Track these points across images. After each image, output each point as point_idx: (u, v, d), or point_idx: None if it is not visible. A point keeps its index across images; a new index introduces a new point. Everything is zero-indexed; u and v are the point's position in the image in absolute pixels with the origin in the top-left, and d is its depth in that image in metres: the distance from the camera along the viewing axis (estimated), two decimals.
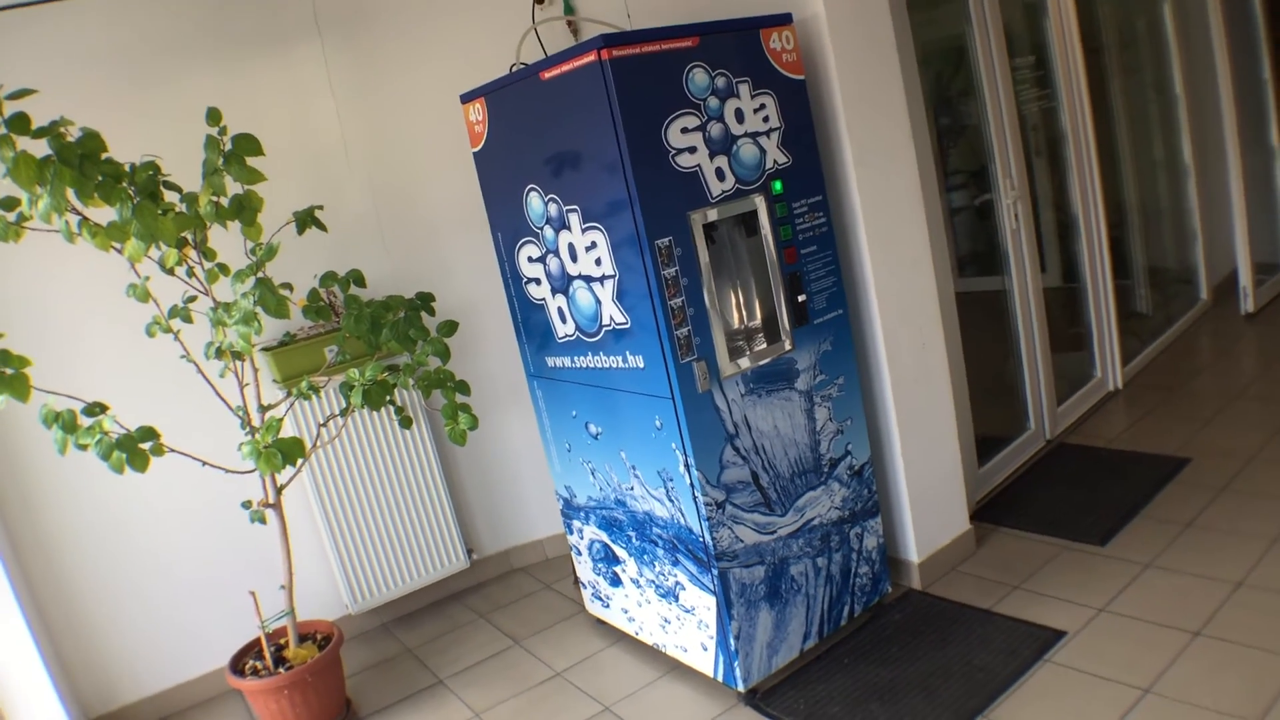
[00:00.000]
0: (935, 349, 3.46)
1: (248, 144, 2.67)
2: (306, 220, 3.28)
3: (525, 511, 4.45)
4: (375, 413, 3.82)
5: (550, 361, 3.30)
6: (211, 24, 3.70)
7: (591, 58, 2.54)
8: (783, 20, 2.91)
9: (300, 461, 2.91)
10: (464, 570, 4.28)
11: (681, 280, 2.68)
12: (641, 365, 2.81)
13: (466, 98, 3.26)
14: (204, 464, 3.20)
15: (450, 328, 3.18)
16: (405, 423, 3.46)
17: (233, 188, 2.90)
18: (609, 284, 2.80)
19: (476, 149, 3.28)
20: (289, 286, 3.24)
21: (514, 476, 4.40)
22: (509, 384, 4.19)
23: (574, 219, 2.85)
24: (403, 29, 3.98)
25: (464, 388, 3.17)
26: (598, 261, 2.82)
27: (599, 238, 2.77)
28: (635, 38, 2.57)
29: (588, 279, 2.90)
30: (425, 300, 3.33)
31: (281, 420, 2.90)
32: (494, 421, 4.29)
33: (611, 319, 2.86)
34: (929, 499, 3.52)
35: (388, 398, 3.15)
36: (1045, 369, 4.55)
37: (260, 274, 2.86)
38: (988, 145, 4.23)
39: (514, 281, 3.33)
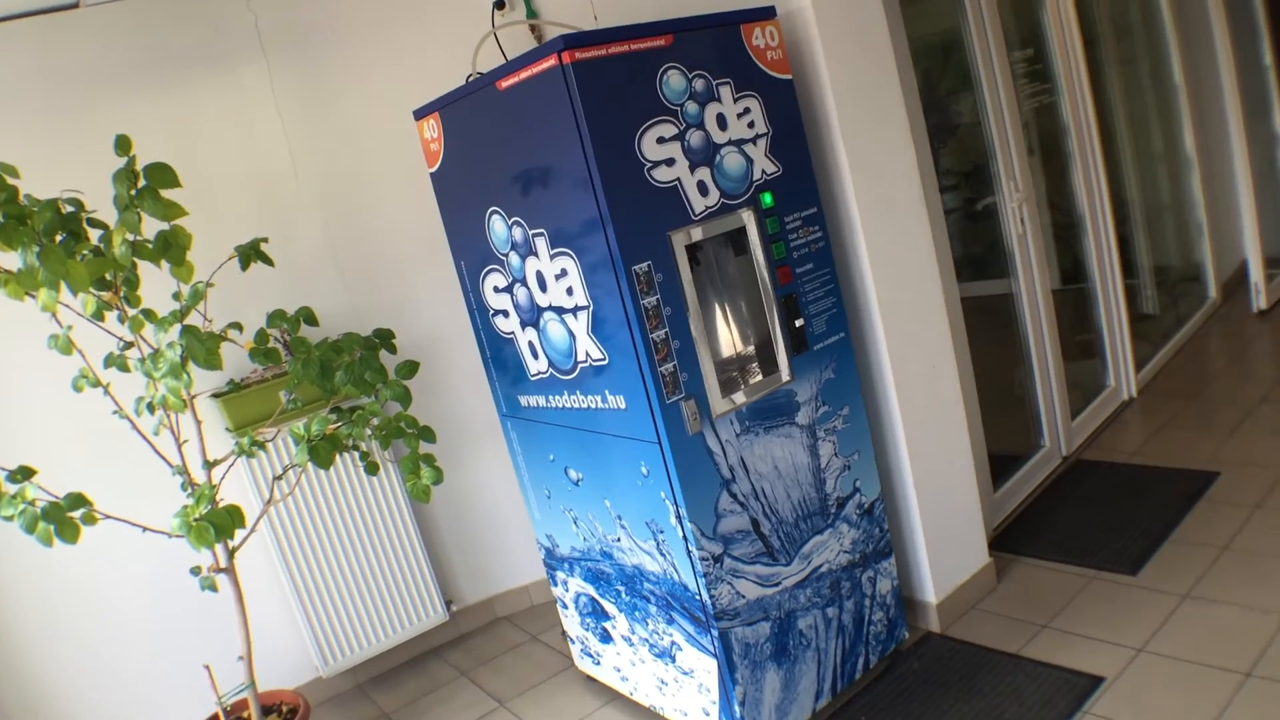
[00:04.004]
0: (945, 369, 3.17)
1: (162, 175, 2.35)
2: (250, 255, 2.96)
3: (508, 557, 4.12)
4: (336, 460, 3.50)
5: (524, 400, 2.99)
6: (148, 46, 3.40)
7: (551, 62, 2.24)
8: (766, 14, 2.62)
9: (245, 529, 2.59)
10: (444, 623, 3.96)
11: (664, 310, 2.37)
12: (623, 406, 2.50)
13: (420, 113, 2.96)
14: (144, 530, 2.88)
15: (410, 369, 2.86)
16: (371, 469, 3.13)
17: (159, 223, 2.60)
18: (582, 315, 2.50)
19: (433, 169, 2.98)
20: (238, 326, 2.94)
21: (494, 519, 4.08)
22: (485, 420, 3.87)
23: (541, 244, 2.55)
24: (352, 43, 3.68)
25: (428, 434, 2.85)
26: (569, 291, 2.51)
27: (569, 264, 2.47)
28: (600, 37, 2.27)
29: (559, 310, 2.59)
30: (384, 338, 3.01)
31: (216, 487, 2.57)
32: (471, 461, 3.97)
33: (587, 354, 2.56)
34: (945, 533, 3.22)
35: (350, 445, 2.84)
36: (1059, 380, 4.26)
37: (190, 319, 2.55)
38: (988, 145, 3.94)
39: (480, 313, 3.02)
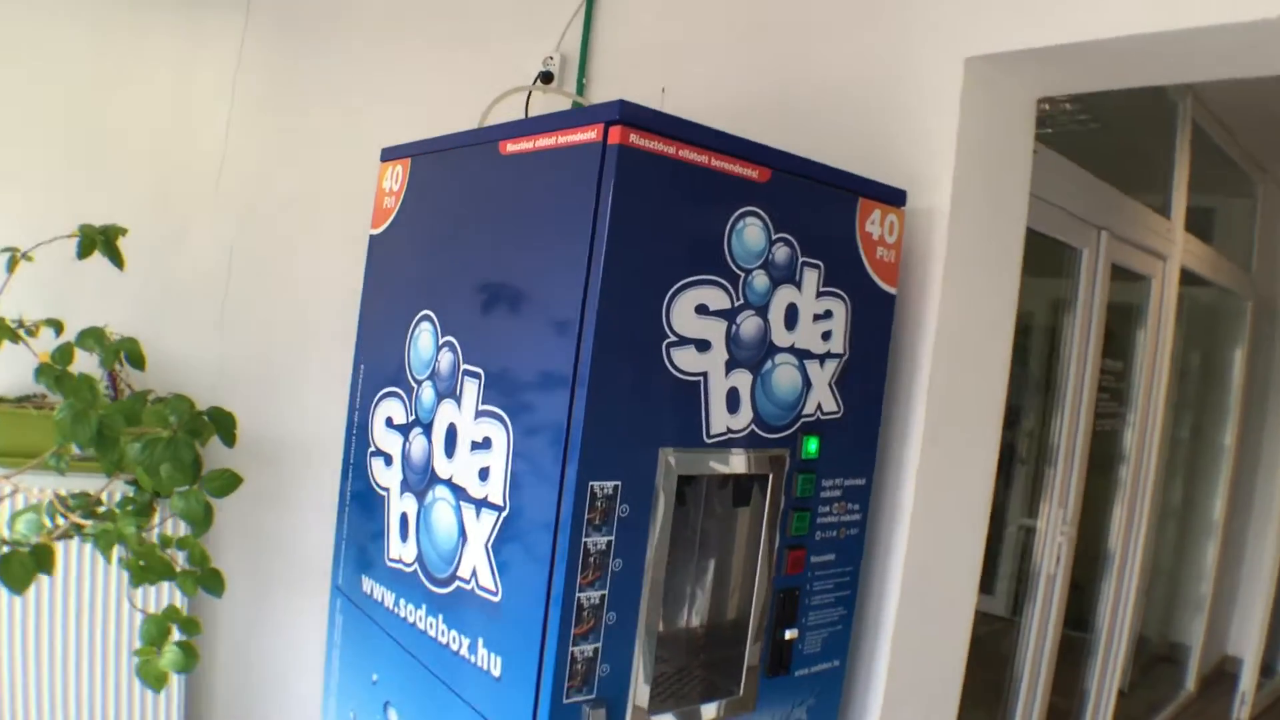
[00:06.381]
0: None
1: None
2: (95, 241, 2.10)
3: None
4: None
5: (366, 586, 2.05)
6: None
7: (590, 134, 1.43)
8: (894, 198, 1.84)
9: None
10: None
11: (612, 561, 1.49)
12: (497, 674, 1.58)
13: (390, 154, 2.14)
14: None
15: (226, 483, 1.90)
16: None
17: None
18: (488, 517, 1.61)
19: (376, 230, 2.14)
20: (56, 325, 2.05)
21: (284, 693, 3.06)
22: (318, 568, 2.90)
23: (470, 389, 1.68)
24: (355, 41, 2.90)
25: (213, 583, 1.89)
26: (482, 474, 1.62)
27: (497, 435, 1.59)
28: (674, 128, 1.46)
29: (460, 492, 1.69)
30: (222, 424, 2.04)
31: None
32: (278, 609, 2.98)
33: (474, 574, 1.65)
34: None
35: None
36: None
37: None
38: (1049, 456, 3.20)
39: (358, 441, 2.12)
